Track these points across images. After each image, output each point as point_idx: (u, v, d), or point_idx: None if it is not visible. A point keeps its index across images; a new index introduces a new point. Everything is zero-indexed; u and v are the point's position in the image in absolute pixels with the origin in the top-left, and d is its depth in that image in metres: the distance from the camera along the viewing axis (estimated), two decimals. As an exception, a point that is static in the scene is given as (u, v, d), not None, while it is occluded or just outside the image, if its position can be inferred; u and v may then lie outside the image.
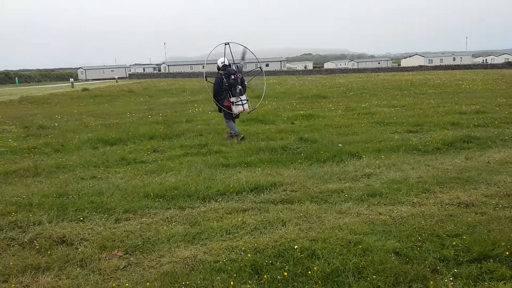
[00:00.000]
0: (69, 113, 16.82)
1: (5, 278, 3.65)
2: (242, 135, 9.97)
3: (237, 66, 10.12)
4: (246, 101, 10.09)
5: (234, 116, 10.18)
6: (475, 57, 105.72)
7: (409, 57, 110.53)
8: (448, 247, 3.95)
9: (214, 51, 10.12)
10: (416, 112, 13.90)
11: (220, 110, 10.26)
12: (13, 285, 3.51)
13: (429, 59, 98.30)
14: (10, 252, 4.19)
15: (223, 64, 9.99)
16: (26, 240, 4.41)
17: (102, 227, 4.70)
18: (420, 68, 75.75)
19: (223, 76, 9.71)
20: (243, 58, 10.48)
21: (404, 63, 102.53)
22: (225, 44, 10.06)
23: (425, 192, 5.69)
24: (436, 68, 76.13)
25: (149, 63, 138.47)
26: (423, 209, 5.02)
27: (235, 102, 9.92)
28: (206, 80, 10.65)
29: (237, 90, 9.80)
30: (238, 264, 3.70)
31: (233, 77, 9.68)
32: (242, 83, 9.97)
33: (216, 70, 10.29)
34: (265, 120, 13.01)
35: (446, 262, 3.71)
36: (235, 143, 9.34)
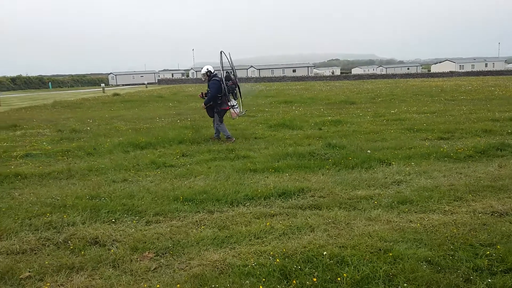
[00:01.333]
0: (100, 118, 17.24)
1: (40, 277, 3.77)
2: (233, 139, 10.67)
3: (229, 72, 10.72)
4: (237, 106, 10.84)
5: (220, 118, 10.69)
6: (508, 63, 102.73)
7: (439, 62, 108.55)
8: (482, 256, 3.86)
9: (224, 59, 10.67)
10: (447, 119, 13.64)
11: (212, 115, 10.78)
12: (48, 284, 3.62)
13: (460, 65, 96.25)
14: (45, 251, 4.32)
15: (208, 70, 10.65)
16: (60, 240, 4.54)
17: (133, 229, 4.80)
18: (450, 74, 74.23)
19: (221, 82, 10.34)
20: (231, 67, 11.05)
21: (434, 69, 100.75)
22: (221, 52, 10.68)
23: (457, 200, 5.58)
24: (468, 74, 74.45)
25: (177, 68, 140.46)
26: (455, 218, 4.92)
27: (234, 106, 10.63)
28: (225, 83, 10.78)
29: (235, 95, 10.66)
30: (267, 268, 3.72)
31: (230, 82, 10.42)
32: (238, 88, 10.74)
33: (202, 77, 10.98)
34: (292, 126, 13.01)
35: (480, 272, 3.62)
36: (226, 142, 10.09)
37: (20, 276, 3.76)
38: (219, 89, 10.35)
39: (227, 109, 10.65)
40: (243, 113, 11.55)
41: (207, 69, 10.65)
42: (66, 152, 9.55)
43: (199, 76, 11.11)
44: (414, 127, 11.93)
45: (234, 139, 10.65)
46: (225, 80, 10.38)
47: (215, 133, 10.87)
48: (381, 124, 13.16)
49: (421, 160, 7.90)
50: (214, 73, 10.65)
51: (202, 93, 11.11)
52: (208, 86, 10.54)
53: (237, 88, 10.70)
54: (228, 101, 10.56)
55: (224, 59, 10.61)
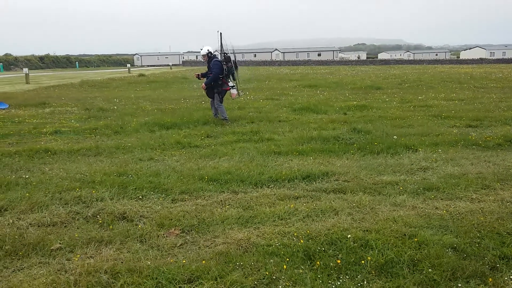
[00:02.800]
0: (126, 97, 17.47)
1: (71, 249, 3.89)
2: (229, 121, 10.82)
3: (227, 54, 10.85)
4: (236, 87, 11.04)
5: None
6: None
7: (469, 49, 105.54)
8: (509, 245, 3.80)
9: (224, 41, 11.05)
10: (476, 107, 13.32)
11: (211, 96, 10.87)
12: (78, 256, 3.73)
13: (490, 52, 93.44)
14: (75, 225, 4.46)
15: (208, 51, 10.72)
16: (89, 214, 4.67)
17: (159, 206, 4.89)
18: (480, 61, 72.17)
19: (222, 63, 10.52)
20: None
21: (464, 55, 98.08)
22: (220, 33, 11.05)
23: (484, 189, 5.48)
24: (498, 61, 72.27)
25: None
26: (482, 206, 4.84)
27: (233, 87, 10.85)
28: (225, 64, 10.87)
29: (234, 76, 10.84)
30: (291, 249, 3.75)
31: (230, 63, 10.60)
32: (237, 69, 10.97)
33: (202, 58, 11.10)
34: (316, 110, 12.92)
35: (506, 260, 3.57)
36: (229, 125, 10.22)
37: (51, 247, 3.89)
38: (221, 70, 10.49)
39: (228, 90, 10.84)
40: (242, 94, 11.86)
41: (208, 50, 10.72)
42: (94, 130, 9.75)
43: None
44: (442, 114, 11.70)
45: (230, 121, 10.81)
46: (225, 62, 10.59)
47: (214, 114, 11.07)
48: (407, 110, 12.94)
49: (449, 147, 7.76)
50: (214, 54, 10.78)
51: (198, 73, 11.32)
52: (209, 67, 10.66)
53: (235, 70, 10.91)
54: (229, 82, 10.79)
55: (223, 42, 10.95)
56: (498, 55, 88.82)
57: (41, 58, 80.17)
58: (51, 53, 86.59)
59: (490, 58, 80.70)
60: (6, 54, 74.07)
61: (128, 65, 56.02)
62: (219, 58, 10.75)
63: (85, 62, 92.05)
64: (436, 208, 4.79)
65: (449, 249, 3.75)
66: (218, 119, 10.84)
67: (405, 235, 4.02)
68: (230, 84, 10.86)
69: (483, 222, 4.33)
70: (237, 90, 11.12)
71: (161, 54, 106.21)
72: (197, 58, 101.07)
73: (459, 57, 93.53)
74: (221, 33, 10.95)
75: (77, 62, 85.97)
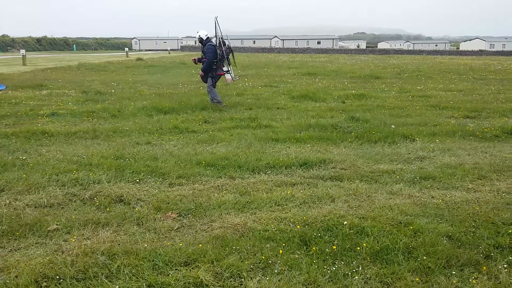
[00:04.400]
0: (124, 81, 17.37)
1: (68, 230, 3.90)
2: (224, 104, 10.95)
3: (222, 38, 10.78)
4: (231, 71, 11.01)
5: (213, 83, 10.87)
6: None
7: (469, 40, 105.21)
8: (504, 235, 3.83)
9: (218, 26, 10.84)
10: (475, 98, 13.32)
11: (206, 80, 10.81)
12: (75, 237, 3.74)
13: (490, 44, 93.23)
14: (72, 206, 4.46)
15: (207, 36, 10.65)
16: (87, 196, 4.67)
17: (157, 190, 4.90)
18: (480, 52, 71.96)
19: (216, 48, 10.43)
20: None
21: (464, 46, 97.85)
22: (215, 17, 10.88)
23: (481, 179, 5.51)
24: (498, 53, 72.08)
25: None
26: (478, 196, 4.87)
27: (228, 71, 10.81)
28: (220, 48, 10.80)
29: (229, 60, 10.84)
30: (287, 234, 3.77)
31: (225, 47, 10.55)
32: (232, 54, 10.96)
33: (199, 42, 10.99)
34: (315, 98, 12.90)
35: (501, 249, 3.61)
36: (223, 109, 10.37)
37: (48, 228, 3.90)
38: (215, 54, 10.41)
39: (222, 74, 10.80)
40: (237, 78, 11.83)
41: (201, 34, 10.65)
42: (91, 113, 9.71)
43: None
44: (440, 104, 11.71)
45: (224, 104, 10.91)
46: (220, 46, 10.52)
47: (211, 100, 11.00)
48: (406, 100, 12.94)
49: (446, 137, 7.78)
50: (209, 38, 10.70)
51: (195, 58, 11.23)
52: (204, 52, 10.61)
53: (231, 54, 10.87)
54: (223, 67, 10.75)
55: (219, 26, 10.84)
56: (498, 47, 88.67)
57: (39, 40, 79.47)
58: (49, 35, 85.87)
59: (490, 50, 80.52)
60: (3, 35, 73.35)
61: (126, 49, 55.57)
62: (214, 42, 10.64)
63: (83, 45, 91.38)
64: (432, 197, 4.82)
65: (444, 237, 3.78)
66: (214, 105, 10.75)
67: (400, 223, 4.04)
68: (225, 69, 10.81)
69: (478, 211, 4.36)
70: (232, 75, 11.06)
71: (160, 38, 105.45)
72: (195, 43, 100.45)
73: (458, 48, 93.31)
74: (216, 17, 10.89)
75: (74, 45, 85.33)
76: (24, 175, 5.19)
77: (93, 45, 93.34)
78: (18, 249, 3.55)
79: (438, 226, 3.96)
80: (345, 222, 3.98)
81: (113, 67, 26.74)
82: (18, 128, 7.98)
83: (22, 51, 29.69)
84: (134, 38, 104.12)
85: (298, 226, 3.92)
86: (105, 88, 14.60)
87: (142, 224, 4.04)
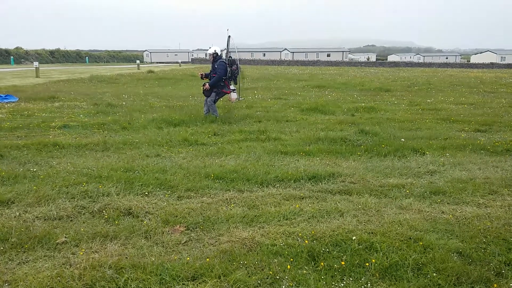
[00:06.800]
0: (135, 93, 17.53)
1: (76, 243, 3.91)
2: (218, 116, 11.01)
3: (231, 57, 10.94)
4: (236, 91, 11.13)
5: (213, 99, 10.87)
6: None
7: (480, 53, 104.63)
8: (515, 252, 3.77)
9: (232, 41, 11.33)
10: (486, 111, 13.22)
11: (208, 94, 10.79)
12: (84, 250, 3.76)
13: (501, 57, 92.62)
14: (81, 219, 4.48)
15: (215, 52, 10.73)
16: (96, 209, 4.70)
17: (165, 203, 4.91)
18: (491, 65, 71.51)
19: (227, 65, 10.58)
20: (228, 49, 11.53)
21: (474, 59, 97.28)
22: (229, 36, 11.35)
23: (492, 194, 5.44)
24: (509, 66, 71.49)
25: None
26: (489, 211, 4.81)
27: (234, 90, 10.92)
28: (230, 66, 10.89)
29: (236, 80, 11.01)
30: (295, 249, 3.75)
31: (234, 67, 10.69)
32: (240, 73, 11.15)
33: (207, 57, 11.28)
34: (324, 110, 12.90)
35: (512, 266, 3.55)
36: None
37: (57, 241, 3.92)
38: (226, 72, 10.56)
39: (228, 93, 10.90)
40: (242, 99, 12.07)
41: (215, 50, 10.76)
42: (102, 125, 9.79)
43: (233, 56, 11.16)
44: (451, 117, 11.63)
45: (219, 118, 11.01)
46: (230, 64, 10.68)
47: (206, 112, 11.04)
48: (416, 113, 12.88)
49: (456, 151, 7.71)
50: (220, 55, 10.83)
51: (202, 73, 11.32)
52: (214, 68, 10.68)
53: (238, 74, 11.04)
54: (230, 85, 10.88)
55: (231, 45, 11.23)
56: (509, 60, 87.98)
57: (52, 53, 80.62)
58: (62, 48, 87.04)
59: (501, 62, 79.99)
60: (17, 48, 74.54)
61: (138, 61, 56.15)
62: (225, 59, 10.77)
63: (95, 57, 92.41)
64: (443, 212, 4.77)
65: (455, 253, 3.73)
66: (211, 116, 10.80)
67: (410, 238, 4.00)
68: (232, 87, 10.93)
69: (489, 227, 4.30)
70: (238, 94, 11.24)
71: (171, 51, 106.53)
72: (206, 56, 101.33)
73: (469, 61, 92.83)
74: (229, 36, 11.05)
75: (87, 57, 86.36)
76: (34, 187, 5.23)
77: (105, 58, 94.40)
78: (27, 262, 3.56)
79: (448, 242, 3.91)
80: (354, 237, 3.94)
81: (124, 79, 27.01)
82: (29, 140, 8.07)
83: (36, 63, 30.15)
84: (146, 50, 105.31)
85: (306, 241, 3.89)
86: (116, 100, 14.74)
87: (150, 238, 4.04)
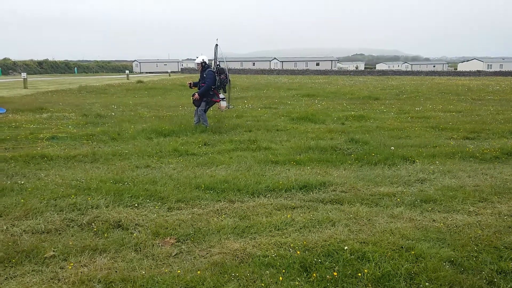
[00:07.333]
0: (124, 104, 17.44)
1: (64, 257, 3.85)
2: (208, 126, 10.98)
3: (219, 66, 11.10)
4: (225, 99, 11.21)
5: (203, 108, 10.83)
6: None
7: (467, 61, 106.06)
8: (506, 259, 3.78)
9: (219, 50, 11.47)
10: (473, 119, 13.36)
11: (198, 104, 10.80)
12: (72, 264, 3.69)
13: (488, 64, 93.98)
14: (70, 232, 4.41)
15: (203, 61, 10.77)
16: (84, 222, 4.63)
17: (155, 214, 4.85)
18: (478, 73, 72.56)
19: (216, 74, 10.64)
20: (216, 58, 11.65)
21: (461, 67, 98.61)
22: (216, 44, 11.46)
23: (482, 201, 5.47)
24: (496, 74, 72.62)
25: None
26: (479, 219, 4.83)
27: (223, 99, 10.99)
28: (218, 75, 10.95)
29: (225, 88, 11.10)
30: (287, 260, 3.72)
31: (223, 75, 10.77)
32: (229, 82, 11.14)
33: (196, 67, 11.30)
34: (314, 119, 12.94)
35: (504, 274, 3.56)
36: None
37: (45, 255, 3.84)
38: (215, 81, 10.61)
39: (218, 101, 10.93)
40: (231, 107, 12.12)
41: (203, 59, 10.80)
42: (91, 136, 9.71)
43: (223, 66, 11.21)
44: (439, 125, 11.73)
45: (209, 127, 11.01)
46: (218, 73, 10.73)
47: (196, 121, 11.04)
48: (405, 121, 12.97)
49: (446, 159, 7.77)
50: (208, 64, 10.87)
51: (191, 82, 11.35)
52: (202, 77, 10.71)
53: (228, 83, 11.11)
54: (219, 94, 10.91)
55: (218, 50, 11.33)
56: (496, 67, 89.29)
57: (40, 63, 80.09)
58: (50, 58, 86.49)
59: (488, 70, 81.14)
60: (4, 59, 73.95)
61: (127, 71, 56.05)
62: (213, 68, 10.79)
63: (84, 67, 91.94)
64: (434, 220, 4.78)
65: (446, 262, 3.73)
66: (201, 126, 10.79)
67: (402, 247, 3.99)
68: (221, 96, 10.96)
69: (480, 235, 4.32)
70: (227, 103, 11.30)
71: (160, 61, 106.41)
72: (194, 66, 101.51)
73: (456, 69, 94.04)
74: (216, 45, 11.09)
75: (75, 68, 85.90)
76: (22, 200, 5.15)
77: (94, 68, 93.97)
78: (14, 277, 3.49)
79: (440, 251, 3.91)
80: (346, 247, 3.93)
81: (113, 89, 26.89)
82: (17, 152, 7.96)
83: (24, 74, 29.94)
84: (135, 60, 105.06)
85: (298, 252, 3.87)
86: (105, 111, 14.65)
87: (140, 250, 3.98)
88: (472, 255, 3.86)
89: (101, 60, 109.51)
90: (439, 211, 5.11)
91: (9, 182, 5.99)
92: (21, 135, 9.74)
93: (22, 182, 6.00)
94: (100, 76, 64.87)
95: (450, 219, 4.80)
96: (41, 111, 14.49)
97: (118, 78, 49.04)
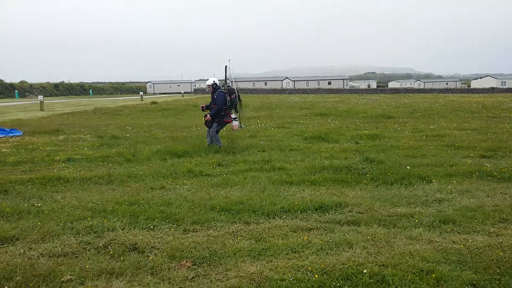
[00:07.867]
0: (139, 125, 17.62)
1: (81, 281, 3.84)
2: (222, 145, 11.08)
3: (230, 87, 11.31)
4: (237, 119, 11.30)
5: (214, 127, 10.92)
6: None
7: (480, 78, 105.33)
8: (531, 283, 3.67)
9: (229, 71, 11.73)
10: (490, 137, 13.18)
11: (210, 125, 10.94)
12: (89, 288, 3.68)
13: (502, 81, 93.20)
14: (86, 255, 4.41)
15: (214, 83, 11.00)
16: (101, 245, 4.63)
17: (171, 237, 4.84)
18: (492, 90, 71.94)
19: (226, 95, 10.78)
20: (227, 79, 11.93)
21: (474, 84, 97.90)
22: (226, 66, 11.78)
23: (502, 222, 5.35)
24: (510, 90, 71.87)
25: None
26: (501, 240, 4.71)
27: (235, 118, 11.08)
28: (229, 96, 11.06)
29: (237, 108, 11.20)
30: (305, 284, 3.66)
31: (233, 95, 10.88)
32: (240, 102, 11.35)
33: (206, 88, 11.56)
34: (328, 139, 12.90)
35: (529, 299, 3.45)
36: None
37: (62, 279, 3.85)
38: (225, 101, 10.74)
39: (229, 122, 11.04)
40: (244, 126, 12.19)
41: (213, 81, 11.01)
42: (106, 158, 9.79)
43: (235, 86, 11.38)
44: (455, 144, 11.59)
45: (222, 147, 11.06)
46: (229, 94, 10.87)
47: (209, 142, 11.12)
48: (420, 139, 12.86)
49: (463, 178, 7.64)
50: (219, 86, 11.06)
51: (203, 105, 11.56)
52: (213, 98, 10.88)
53: (238, 102, 11.21)
54: (231, 114, 11.01)
55: (228, 74, 11.55)
56: (510, 84, 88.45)
57: (56, 86, 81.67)
58: (66, 81, 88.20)
59: (502, 87, 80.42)
60: (21, 82, 75.56)
61: (141, 92, 56.86)
62: (224, 88, 10.96)
63: (99, 89, 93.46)
64: (453, 242, 4.68)
65: (469, 286, 3.64)
66: (215, 146, 10.86)
67: (422, 270, 3.91)
68: (233, 116, 11.07)
69: (502, 257, 4.21)
70: (239, 122, 11.39)
71: (173, 82, 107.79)
72: (205, 88, 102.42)
73: (469, 86, 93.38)
74: (226, 66, 11.25)
75: (90, 90, 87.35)
76: (39, 223, 5.18)
77: (109, 90, 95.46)
78: (31, 302, 3.49)
79: (462, 274, 3.82)
80: (364, 271, 3.86)
81: (128, 111, 27.23)
82: (34, 174, 8.05)
83: (40, 97, 30.50)
84: (149, 82, 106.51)
85: (316, 275, 3.81)
86: (120, 132, 14.81)
87: (156, 274, 3.96)
88: (495, 278, 3.76)
89: (115, 82, 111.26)
90: (458, 232, 5.01)
91: (26, 204, 6.04)
92: (37, 157, 9.87)
93: (39, 204, 6.05)
94: (114, 97, 65.83)
95: (470, 241, 4.70)
96: (57, 133, 14.71)
97: (132, 100, 49.69)
